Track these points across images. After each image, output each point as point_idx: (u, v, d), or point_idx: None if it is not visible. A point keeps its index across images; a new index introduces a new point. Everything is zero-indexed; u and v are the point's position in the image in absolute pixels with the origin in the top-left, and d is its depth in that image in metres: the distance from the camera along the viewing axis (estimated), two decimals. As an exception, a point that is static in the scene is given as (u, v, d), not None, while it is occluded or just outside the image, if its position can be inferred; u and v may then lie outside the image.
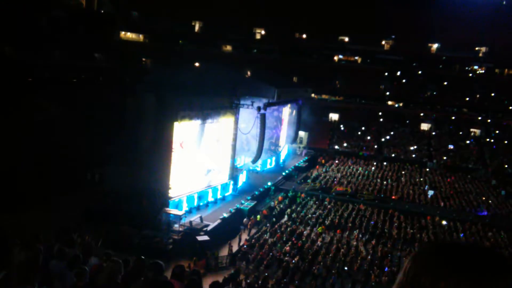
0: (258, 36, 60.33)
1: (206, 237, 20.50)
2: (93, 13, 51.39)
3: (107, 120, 24.41)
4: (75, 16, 44.62)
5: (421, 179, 38.75)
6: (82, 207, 20.56)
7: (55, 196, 20.25)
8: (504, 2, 54.73)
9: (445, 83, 55.25)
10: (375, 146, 48.04)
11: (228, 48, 59.83)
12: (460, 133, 50.78)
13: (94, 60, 43.31)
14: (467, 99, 53.99)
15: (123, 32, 56.72)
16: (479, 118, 51.54)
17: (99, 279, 4.98)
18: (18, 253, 5.20)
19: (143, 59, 52.16)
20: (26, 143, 22.88)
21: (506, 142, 48.11)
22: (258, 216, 25.78)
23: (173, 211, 21.73)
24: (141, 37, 58.19)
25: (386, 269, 20.39)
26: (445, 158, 45.95)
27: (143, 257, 6.15)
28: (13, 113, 24.15)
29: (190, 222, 21.56)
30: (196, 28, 60.11)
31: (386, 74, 57.13)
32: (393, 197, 32.52)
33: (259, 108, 30.48)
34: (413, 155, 46.42)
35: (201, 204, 25.21)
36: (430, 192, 33.52)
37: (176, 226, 21.04)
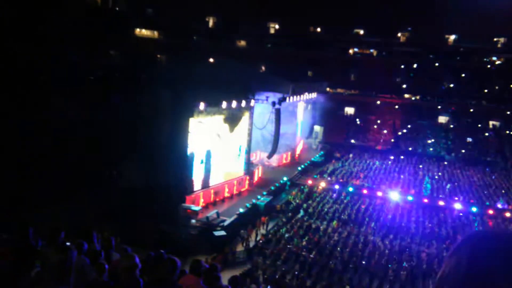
0: (272, 31, 60.12)
1: (223, 232, 20.59)
2: (108, 10, 51.82)
3: (123, 117, 24.59)
4: (90, 14, 45.02)
5: (439, 173, 38.25)
6: (100, 204, 20.80)
7: (73, 193, 20.53)
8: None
9: (463, 75, 54.30)
10: (392, 140, 47.52)
11: (243, 43, 59.73)
12: (479, 125, 49.86)
13: (110, 57, 43.69)
14: (486, 91, 52.98)
15: (137, 29, 57.08)
16: (498, 110, 50.53)
17: (119, 274, 5.03)
18: (51, 254, 5.26)
19: (158, 56, 52.42)
20: (43, 142, 23.20)
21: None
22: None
23: (190, 206, 21.86)
24: (155, 33, 58.47)
25: (404, 263, 20.21)
26: (463, 151, 45.24)
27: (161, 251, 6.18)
28: (28, 112, 24.51)
29: (207, 218, 21.67)
30: (210, 23, 60.16)
31: (402, 66, 56.41)
32: (412, 191, 32.16)
33: (273, 103, 30.43)
34: (431, 149, 45.81)
35: (217, 199, 25.32)
36: (448, 186, 33.06)
37: (193, 221, 21.17)
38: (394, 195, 30.10)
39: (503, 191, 33.61)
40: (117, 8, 52.06)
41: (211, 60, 49.45)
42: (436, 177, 35.72)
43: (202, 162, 24.55)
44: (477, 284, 1.05)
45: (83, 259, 5.49)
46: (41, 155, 22.71)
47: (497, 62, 55.84)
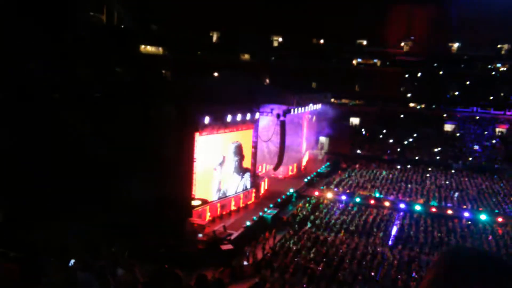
0: (275, 44, 60.61)
1: (230, 246, 20.57)
2: (114, 28, 52.58)
3: (130, 133, 24.82)
4: (96, 32, 45.69)
5: (447, 181, 38.04)
6: (108, 218, 20.90)
7: (81, 207, 20.65)
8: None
9: (468, 82, 54.26)
10: (398, 149, 47.40)
11: (246, 56, 60.22)
12: (486, 132, 49.65)
13: (116, 74, 44.21)
14: (491, 97, 52.84)
15: (142, 46, 57.81)
16: (504, 116, 50.32)
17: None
18: (54, 274, 5.37)
19: (163, 71, 52.98)
20: (52, 156, 23.44)
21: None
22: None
23: (196, 220, 21.91)
24: (160, 49, 59.17)
25: (414, 274, 20.04)
26: (470, 159, 45.00)
27: (166, 266, 6.26)
28: (40, 128, 24.82)
29: (214, 231, 21.69)
30: (214, 38, 60.79)
31: (406, 75, 56.50)
32: (419, 201, 31.96)
33: (278, 115, 30.57)
34: (438, 157, 45.61)
35: (223, 213, 25.35)
36: (456, 194, 32.83)
37: (200, 235, 21.19)
38: (404, 205, 29.97)
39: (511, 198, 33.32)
40: (122, 26, 52.83)
41: (216, 74, 49.88)
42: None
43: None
44: None
45: (88, 276, 5.59)
46: (49, 169, 22.94)
47: (502, 69, 55.77)
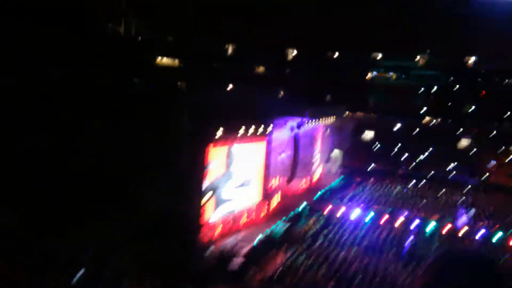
0: (290, 57, 60.83)
1: (241, 261, 20.50)
2: (131, 39, 53.45)
3: (145, 143, 25.07)
4: (114, 43, 46.50)
5: (463, 198, 37.48)
6: (123, 226, 21.04)
7: (96, 215, 20.86)
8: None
9: (484, 96, 53.62)
10: (413, 164, 46.88)
11: (261, 69, 60.52)
12: (503, 147, 48.82)
13: (133, 85, 44.82)
14: (509, 112, 52.08)
15: (159, 58, 58.55)
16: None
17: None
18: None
19: (179, 83, 53.53)
20: (67, 165, 23.78)
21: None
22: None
23: (207, 233, 21.92)
24: (176, 61, 59.84)
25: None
26: (487, 174, 44.27)
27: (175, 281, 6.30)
28: (57, 137, 25.24)
29: (225, 246, 21.66)
30: (230, 50, 61.29)
31: (422, 89, 56.09)
32: (434, 217, 31.50)
33: (292, 128, 30.59)
34: (453, 172, 44.99)
35: (235, 226, 25.31)
36: (471, 212, 32.26)
37: (210, 249, 21.18)
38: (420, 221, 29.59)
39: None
40: (139, 37, 53.69)
41: (231, 86, 50.28)
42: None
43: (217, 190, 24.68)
44: None
45: (96, 285, 5.64)
46: (63, 178, 23.26)
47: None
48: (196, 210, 22.44)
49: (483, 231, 28.63)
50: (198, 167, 23.06)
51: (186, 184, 22.32)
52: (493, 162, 46.17)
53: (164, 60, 58.99)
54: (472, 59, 56.80)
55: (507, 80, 55.37)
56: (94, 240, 17.80)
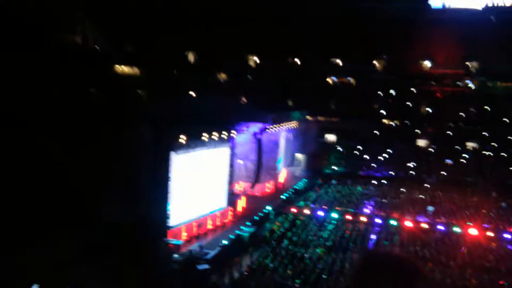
0: (252, 63, 61.24)
1: (206, 266, 20.37)
2: (89, 49, 52.34)
3: (103, 153, 24.55)
4: (71, 53, 45.39)
5: (421, 196, 38.71)
6: (80, 241, 20.46)
7: (52, 230, 20.19)
8: (493, 18, 55.74)
9: (439, 99, 55.78)
10: (373, 165, 48.07)
11: (223, 75, 60.57)
12: (458, 147, 50.87)
13: (90, 95, 43.84)
14: (462, 113, 54.35)
15: (118, 66, 57.60)
16: (475, 131, 51.75)
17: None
18: None
19: (138, 91, 52.82)
20: (20, 178, 22.93)
21: (504, 154, 48.17)
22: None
23: (172, 240, 21.66)
24: (135, 69, 59.01)
25: None
26: (444, 173, 45.95)
27: None
28: (7, 151, 24.31)
29: (190, 251, 21.48)
30: (190, 57, 61.06)
31: (380, 93, 57.71)
32: (394, 215, 32.39)
33: (255, 133, 30.79)
34: (412, 172, 46.44)
35: (200, 232, 25.14)
36: (430, 208, 33.37)
37: (175, 255, 20.94)
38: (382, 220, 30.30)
39: (484, 211, 34.08)
40: (97, 46, 52.63)
41: (192, 93, 49.98)
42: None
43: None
44: None
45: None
46: (18, 191, 22.40)
47: (471, 86, 57.52)
48: (159, 218, 22.12)
49: (441, 227, 29.70)
50: (161, 175, 22.80)
51: (148, 192, 21.99)
52: (449, 161, 47.97)
53: (124, 68, 58.09)
54: (426, 63, 58.97)
55: (459, 83, 57.80)
56: (53, 253, 17.24)
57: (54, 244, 18.92)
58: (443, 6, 57.90)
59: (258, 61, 61.09)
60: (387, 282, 1.30)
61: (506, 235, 28.38)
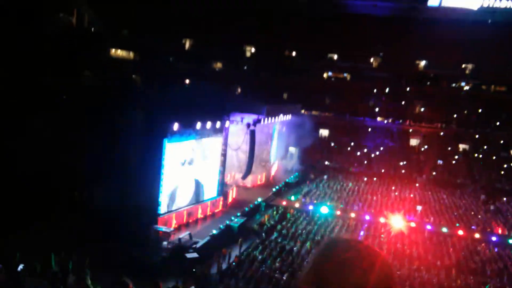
0: (248, 54, 60.92)
1: (195, 254, 20.31)
2: (84, 30, 51.63)
3: (96, 138, 24.29)
4: (66, 34, 44.74)
5: (411, 195, 38.94)
6: (70, 227, 20.29)
7: (43, 216, 20.00)
8: (490, 21, 55.89)
9: (433, 99, 56.01)
10: (365, 162, 48.25)
11: (219, 65, 60.24)
12: (449, 148, 51.22)
13: (84, 77, 43.34)
14: (455, 115, 54.66)
15: (113, 50, 56.95)
16: (467, 133, 52.11)
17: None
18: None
19: (133, 76, 52.34)
20: (14, 162, 22.64)
21: (494, 157, 48.60)
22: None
23: (162, 228, 21.55)
24: (131, 54, 58.42)
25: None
26: (434, 173, 46.26)
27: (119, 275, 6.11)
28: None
29: (179, 239, 21.38)
30: (187, 45, 60.57)
31: (375, 90, 57.80)
32: (383, 213, 32.52)
33: (248, 125, 30.62)
34: (403, 171, 46.69)
35: (190, 221, 25.06)
36: (419, 208, 33.55)
37: (164, 243, 20.84)
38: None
39: (472, 213, 34.40)
40: (92, 29, 51.97)
41: (187, 81, 49.64)
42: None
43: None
44: (316, 281, 1.27)
45: (40, 281, 5.38)
46: (11, 175, 22.12)
47: (465, 88, 57.86)
48: (150, 205, 21.99)
49: (428, 227, 29.93)
50: (153, 162, 22.63)
51: (140, 178, 21.82)
52: (439, 162, 48.28)
53: (119, 52, 57.44)
54: (422, 63, 59.11)
55: (454, 84, 58.09)
56: (47, 240, 17.06)
57: (43, 229, 18.75)
58: (440, 3, 57.61)
59: (254, 52, 60.76)
60: (345, 269, 1.26)
61: (493, 238, 28.67)
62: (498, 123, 52.35)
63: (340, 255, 1.28)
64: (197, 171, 26.27)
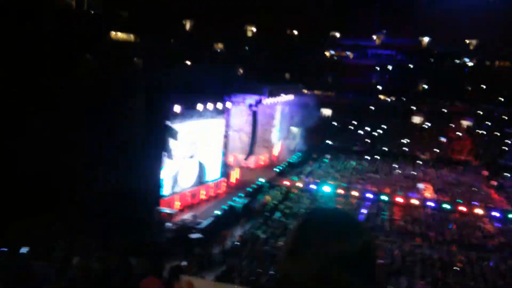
0: (249, 34, 60.40)
1: (199, 235, 20.60)
2: (83, 13, 51.22)
3: (97, 122, 24.37)
4: (65, 17, 44.41)
5: (414, 172, 39.04)
6: (75, 210, 20.55)
7: (46, 199, 20.24)
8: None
9: (437, 76, 55.58)
10: (368, 140, 48.22)
11: (220, 45, 59.79)
12: (452, 125, 51.04)
13: (84, 60, 43.16)
14: (459, 92, 54.29)
15: (113, 32, 56.55)
16: (470, 110, 51.84)
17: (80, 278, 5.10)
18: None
19: (134, 59, 52.06)
20: (16, 147, 22.80)
21: (497, 133, 48.44)
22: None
23: (165, 209, 21.82)
24: (131, 36, 58.01)
25: (382, 261, 20.54)
26: (437, 150, 46.24)
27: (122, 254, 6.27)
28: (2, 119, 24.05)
29: (183, 220, 21.67)
30: (187, 26, 60.07)
31: (377, 68, 57.38)
32: (386, 190, 32.69)
33: (250, 105, 30.63)
34: (406, 148, 46.68)
35: (194, 202, 25.32)
36: (421, 186, 33.60)
37: (168, 224, 21.13)
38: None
39: (475, 189, 34.53)
40: (92, 11, 51.52)
41: (188, 63, 49.40)
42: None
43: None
44: (295, 251, 1.28)
45: (43, 265, 5.54)
46: (14, 160, 22.31)
47: (469, 64, 57.31)
48: (153, 187, 22.20)
49: (431, 204, 30.11)
50: (155, 144, 22.75)
51: (143, 160, 21.97)
52: (443, 139, 48.19)
53: (119, 35, 57.03)
54: (426, 40, 58.46)
55: (457, 61, 57.54)
56: (53, 224, 17.35)
57: (49, 213, 19.00)
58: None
59: (256, 32, 60.22)
60: (325, 235, 1.29)
61: (495, 213, 28.85)
62: (501, 99, 52.01)
63: (319, 222, 1.31)
64: (199, 152, 26.40)
